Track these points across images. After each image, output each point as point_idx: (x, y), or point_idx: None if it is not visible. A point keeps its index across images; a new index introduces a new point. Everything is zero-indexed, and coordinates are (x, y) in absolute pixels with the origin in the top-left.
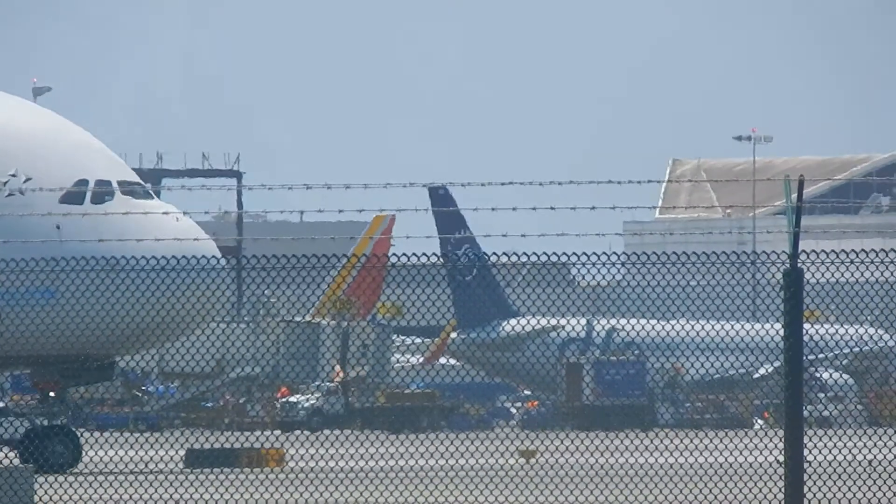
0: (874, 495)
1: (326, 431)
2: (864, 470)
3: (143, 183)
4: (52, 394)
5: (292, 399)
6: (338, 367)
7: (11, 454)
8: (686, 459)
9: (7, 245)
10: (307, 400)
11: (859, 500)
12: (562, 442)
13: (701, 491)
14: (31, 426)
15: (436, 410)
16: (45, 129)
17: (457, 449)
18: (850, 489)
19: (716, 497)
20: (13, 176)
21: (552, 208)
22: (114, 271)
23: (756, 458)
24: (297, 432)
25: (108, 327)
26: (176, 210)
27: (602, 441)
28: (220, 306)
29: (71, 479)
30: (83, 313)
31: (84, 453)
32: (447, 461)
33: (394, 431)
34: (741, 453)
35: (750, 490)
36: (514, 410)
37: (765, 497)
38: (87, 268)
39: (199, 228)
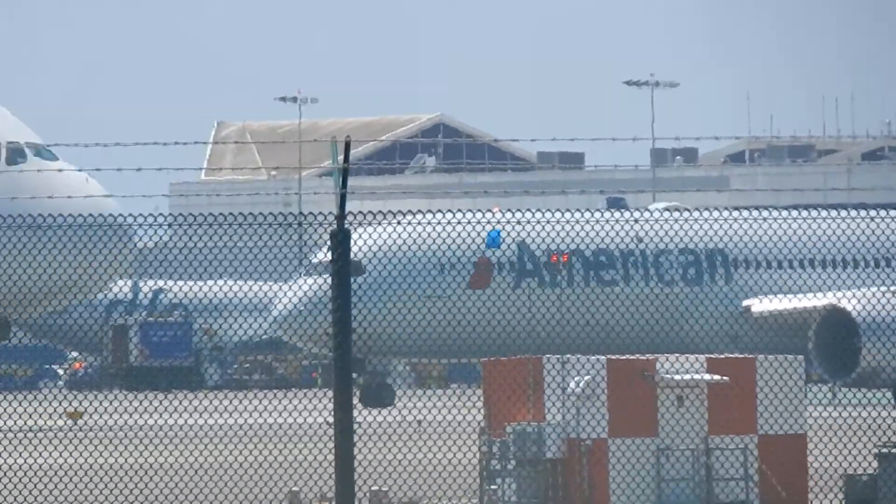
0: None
1: None
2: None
3: (46, 145)
4: None
5: None
6: None
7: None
8: (235, 420)
9: None
10: None
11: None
12: (110, 403)
13: (252, 452)
14: None
15: None
16: None
17: (14, 410)
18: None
19: (265, 458)
20: None
21: (98, 170)
22: (30, 229)
23: (305, 419)
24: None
25: (18, 285)
26: (80, 170)
27: (151, 402)
28: (129, 263)
29: None
30: None
31: None
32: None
33: None
34: (290, 414)
35: (301, 451)
36: (60, 372)
37: (315, 458)
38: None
39: (102, 188)
